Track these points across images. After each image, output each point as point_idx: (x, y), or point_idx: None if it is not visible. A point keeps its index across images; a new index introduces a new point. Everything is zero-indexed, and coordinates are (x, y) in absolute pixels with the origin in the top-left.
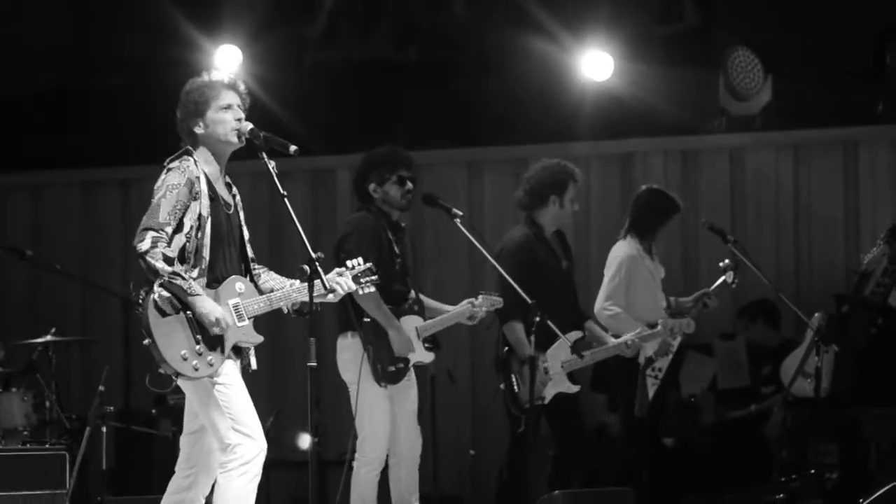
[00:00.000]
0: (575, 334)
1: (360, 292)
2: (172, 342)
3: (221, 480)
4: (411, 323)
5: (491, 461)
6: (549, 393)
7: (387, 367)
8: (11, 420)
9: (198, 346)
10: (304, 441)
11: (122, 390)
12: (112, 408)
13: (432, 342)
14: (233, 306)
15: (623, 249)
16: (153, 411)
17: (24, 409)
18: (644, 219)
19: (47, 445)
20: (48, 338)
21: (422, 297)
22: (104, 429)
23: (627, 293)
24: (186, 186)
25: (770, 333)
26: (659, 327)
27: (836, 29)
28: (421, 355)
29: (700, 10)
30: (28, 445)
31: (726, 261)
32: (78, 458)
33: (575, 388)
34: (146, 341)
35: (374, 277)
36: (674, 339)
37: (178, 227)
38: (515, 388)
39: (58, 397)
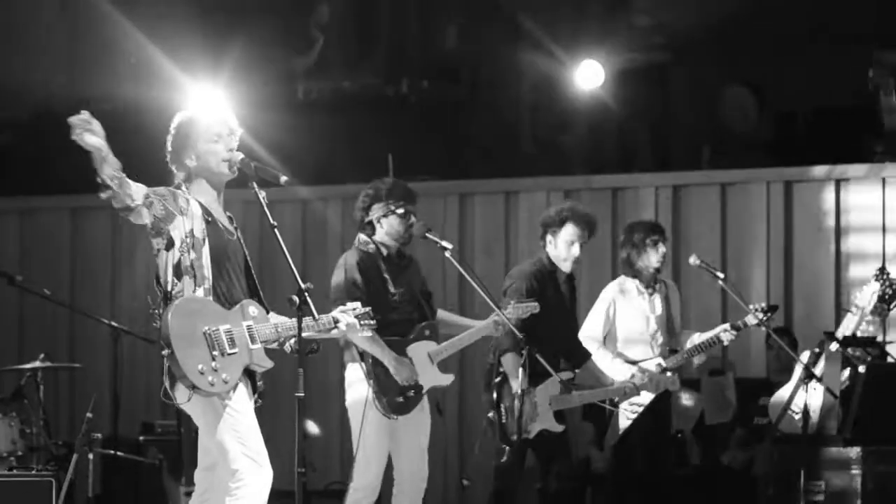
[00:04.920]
0: (566, 374)
1: (361, 335)
2: (191, 354)
3: None
4: (423, 349)
5: (480, 494)
6: (534, 429)
7: (394, 399)
8: None
9: (214, 362)
10: (313, 427)
11: (110, 417)
12: (99, 434)
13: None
14: (246, 328)
15: (610, 286)
16: (140, 439)
17: (10, 434)
18: (626, 255)
19: (34, 471)
20: (36, 364)
21: (446, 314)
22: (91, 455)
23: (609, 330)
24: (171, 194)
25: None
26: (646, 380)
27: (831, 67)
28: (435, 379)
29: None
30: (15, 471)
31: (762, 304)
32: (64, 484)
33: (559, 428)
34: (165, 352)
35: (372, 322)
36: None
37: (171, 243)
38: (503, 419)
39: (45, 423)
